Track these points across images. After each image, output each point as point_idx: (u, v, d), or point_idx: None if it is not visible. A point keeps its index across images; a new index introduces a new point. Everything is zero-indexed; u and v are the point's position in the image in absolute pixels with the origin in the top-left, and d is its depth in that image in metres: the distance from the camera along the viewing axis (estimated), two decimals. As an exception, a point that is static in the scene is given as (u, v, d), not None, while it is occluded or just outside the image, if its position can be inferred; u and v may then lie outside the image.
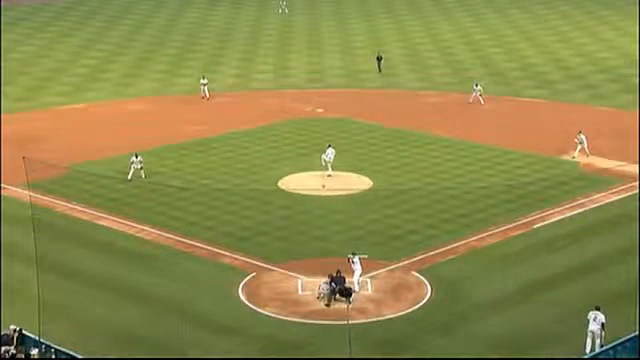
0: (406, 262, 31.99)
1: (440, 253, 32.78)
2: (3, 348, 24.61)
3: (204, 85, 54.77)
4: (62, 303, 28.38)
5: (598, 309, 25.74)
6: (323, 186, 39.00)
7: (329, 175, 39.01)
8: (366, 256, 30.38)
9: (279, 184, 39.76)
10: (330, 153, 40.25)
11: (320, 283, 29.11)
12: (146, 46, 70.87)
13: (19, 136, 46.25)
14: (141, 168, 39.34)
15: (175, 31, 76.29)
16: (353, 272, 29.71)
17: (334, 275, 28.90)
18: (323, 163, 39.82)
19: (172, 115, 51.61)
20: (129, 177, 39.12)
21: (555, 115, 51.76)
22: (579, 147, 43.00)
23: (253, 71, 63.05)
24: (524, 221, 35.47)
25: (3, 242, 33.10)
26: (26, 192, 35.60)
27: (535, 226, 35.07)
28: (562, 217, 35.79)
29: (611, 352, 24.39)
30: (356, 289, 29.30)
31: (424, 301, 29.23)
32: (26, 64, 64.27)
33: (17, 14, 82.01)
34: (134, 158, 39.61)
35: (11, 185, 38.65)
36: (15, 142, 44.84)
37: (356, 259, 29.94)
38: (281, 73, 62.74)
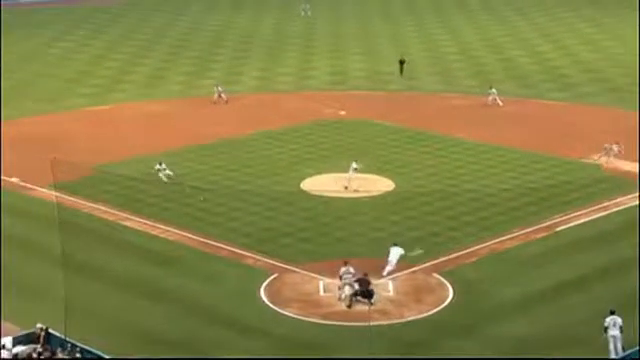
0: (428, 264, 31.85)
1: (462, 255, 32.61)
2: (30, 346, 24.86)
3: (220, 92, 54.41)
4: (87, 303, 28.55)
5: (613, 313, 25.70)
6: (345, 188, 39.04)
7: (346, 187, 38.90)
8: (421, 251, 29.97)
9: (302, 185, 39.83)
10: (357, 165, 39.57)
11: (341, 272, 28.73)
12: (170, 49, 71.23)
13: (46, 137, 46.71)
14: (168, 173, 39.29)
15: (199, 34, 76.58)
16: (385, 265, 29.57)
17: (360, 277, 28.86)
18: (349, 175, 39.46)
19: (196, 117, 51.84)
20: (165, 180, 39.18)
21: (578, 118, 51.34)
22: (609, 153, 42.00)
23: (276, 73, 63.12)
24: (547, 224, 35.20)
25: (32, 242, 33.38)
26: (53, 193, 36.04)
27: (558, 229, 34.78)
28: (586, 220, 35.45)
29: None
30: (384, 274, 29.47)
31: (446, 303, 29.10)
32: (53, 66, 64.93)
33: (44, 17, 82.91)
34: (159, 165, 39.53)
35: (38, 186, 39.01)
36: (42, 143, 45.25)
37: (394, 250, 29.72)
38: (303, 75, 62.78)
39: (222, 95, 54.48)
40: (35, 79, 60.78)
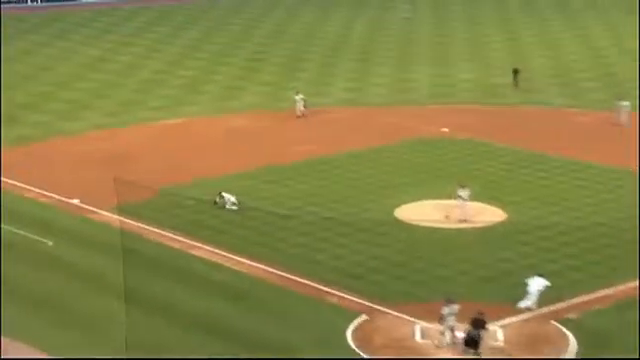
0: (544, 310, 31.16)
1: (586, 301, 31.75)
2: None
3: (301, 102, 54.79)
4: (151, 341, 29.02)
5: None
6: (447, 217, 38.71)
7: (447, 217, 38.57)
8: (575, 317, 30.20)
9: (395, 214, 39.70)
10: (463, 193, 39.18)
11: (444, 312, 28.60)
12: (251, 55, 72.41)
13: (110, 154, 48.02)
14: (233, 204, 39.76)
15: (284, 38, 77.73)
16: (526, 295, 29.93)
17: (474, 317, 28.51)
18: (452, 202, 39.08)
19: (277, 133, 52.46)
20: (216, 200, 39.74)
21: None
22: None
23: (369, 84, 63.40)
24: (692, 267, 33.85)
25: (90, 271, 34.26)
26: (116, 216, 36.98)
27: None
28: None
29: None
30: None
31: (565, 356, 28.34)
32: (120, 75, 66.84)
33: (113, 20, 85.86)
34: (219, 199, 39.80)
35: (100, 209, 39.98)
36: (105, 161, 46.56)
37: (536, 282, 30.07)
38: (401, 87, 62.76)
39: (303, 106, 54.64)
40: (100, 89, 62.73)
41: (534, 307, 30.93)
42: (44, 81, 64.81)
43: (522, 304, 30.93)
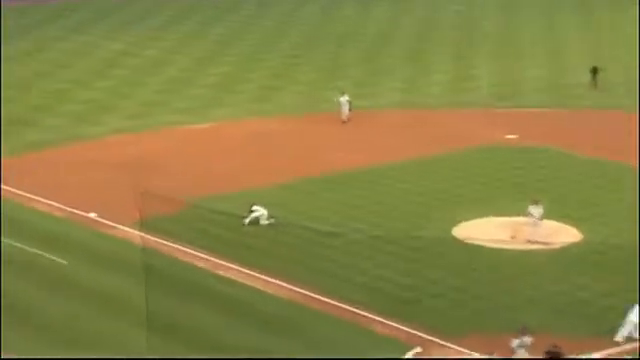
0: (627, 346, 30.65)
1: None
2: None
3: (346, 104, 54.58)
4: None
5: None
6: (513, 237, 38.45)
7: (513, 237, 38.34)
8: None
9: (454, 232, 39.53)
10: (535, 210, 38.88)
11: (514, 345, 28.49)
12: (290, 50, 72.67)
13: (132, 162, 48.28)
14: (267, 218, 39.85)
15: (327, 30, 77.94)
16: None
17: (551, 349, 28.25)
18: (527, 218, 38.82)
19: (317, 139, 52.50)
20: (246, 222, 39.88)
21: None
22: None
23: (422, 83, 63.26)
24: None
25: (108, 293, 34.54)
26: (137, 232, 37.23)
27: None
28: None
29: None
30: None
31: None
32: (143, 72, 67.43)
33: (136, 11, 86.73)
34: (253, 215, 39.91)
35: (120, 223, 40.22)
36: (126, 170, 46.81)
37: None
38: (459, 86, 62.53)
39: (348, 109, 54.45)
40: (121, 89, 63.35)
41: (636, 336, 30.53)
42: (59, 79, 65.53)
43: (619, 336, 30.45)
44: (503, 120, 54.61)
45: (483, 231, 39.28)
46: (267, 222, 39.84)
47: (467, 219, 40.53)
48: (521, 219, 38.90)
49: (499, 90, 61.28)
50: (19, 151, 49.95)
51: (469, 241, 38.53)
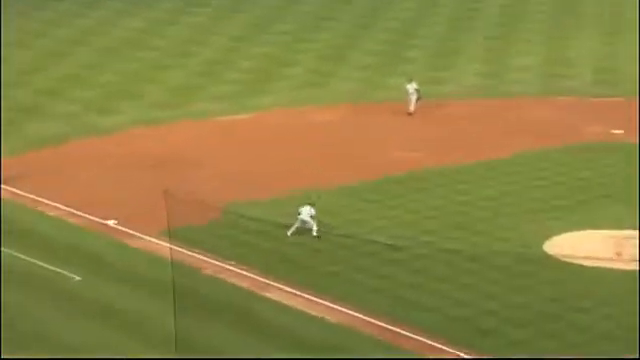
0: None
1: None
2: None
3: (414, 93, 54.25)
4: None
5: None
6: (618, 254, 38.17)
7: (619, 254, 38.13)
8: None
9: (545, 247, 39.21)
10: None
11: None
12: (347, 29, 72.48)
13: (158, 159, 48.38)
14: (317, 229, 39.88)
15: (391, 7, 77.55)
16: None
17: None
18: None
19: (378, 133, 52.32)
20: (289, 233, 39.93)
21: None
22: None
23: (506, 67, 63.06)
24: None
25: (130, 315, 34.44)
26: (165, 244, 37.02)
27: None
28: None
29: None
30: None
31: None
32: (173, 54, 67.61)
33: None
34: (304, 219, 39.76)
35: (144, 233, 40.18)
36: (152, 168, 46.96)
37: None
38: (553, 70, 62.19)
39: (413, 97, 54.31)
40: (148, 72, 63.41)
41: None
42: (72, 62, 65.79)
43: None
44: (607, 111, 54.33)
45: (581, 247, 39.31)
46: (315, 232, 39.75)
47: (562, 232, 40.56)
48: (626, 232, 38.85)
49: (602, 76, 60.92)
50: (23, 145, 50.05)
51: (564, 259, 38.36)
